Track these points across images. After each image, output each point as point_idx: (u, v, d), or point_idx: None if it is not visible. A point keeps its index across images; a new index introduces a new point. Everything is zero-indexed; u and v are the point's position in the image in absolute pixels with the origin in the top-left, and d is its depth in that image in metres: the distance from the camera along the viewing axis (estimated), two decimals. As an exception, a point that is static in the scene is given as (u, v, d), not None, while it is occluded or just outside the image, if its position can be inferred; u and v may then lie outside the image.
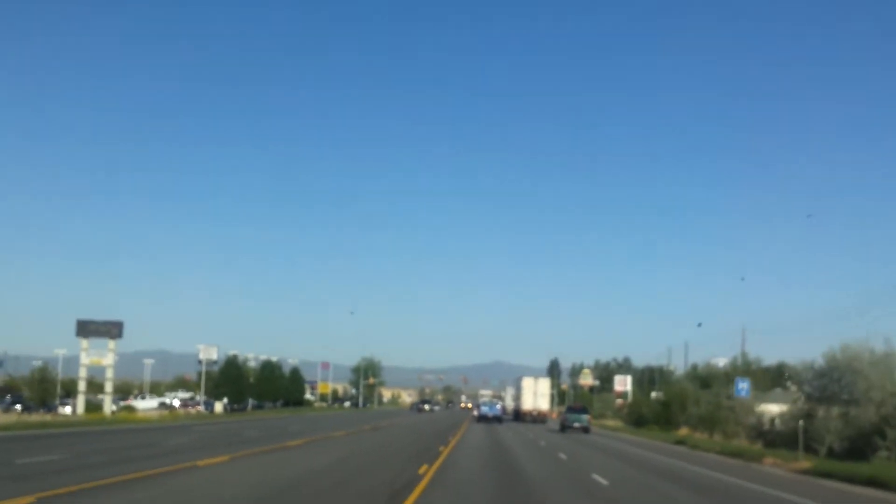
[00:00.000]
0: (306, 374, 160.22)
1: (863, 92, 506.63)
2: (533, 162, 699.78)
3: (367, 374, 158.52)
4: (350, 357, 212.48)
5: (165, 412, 74.70)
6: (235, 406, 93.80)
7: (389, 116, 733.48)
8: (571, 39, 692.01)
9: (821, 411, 40.29)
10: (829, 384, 40.00)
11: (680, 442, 47.46)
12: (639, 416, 76.66)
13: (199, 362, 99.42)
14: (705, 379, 68.32)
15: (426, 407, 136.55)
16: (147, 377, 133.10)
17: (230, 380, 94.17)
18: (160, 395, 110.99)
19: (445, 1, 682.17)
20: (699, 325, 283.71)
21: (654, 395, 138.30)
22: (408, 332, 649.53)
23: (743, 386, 39.83)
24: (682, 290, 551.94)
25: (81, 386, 68.14)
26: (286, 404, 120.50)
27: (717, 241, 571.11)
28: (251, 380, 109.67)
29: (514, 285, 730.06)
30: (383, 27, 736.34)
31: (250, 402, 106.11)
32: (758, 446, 41.17)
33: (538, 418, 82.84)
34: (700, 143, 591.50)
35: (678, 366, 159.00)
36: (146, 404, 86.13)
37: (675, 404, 65.12)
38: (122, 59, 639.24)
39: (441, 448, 31.69)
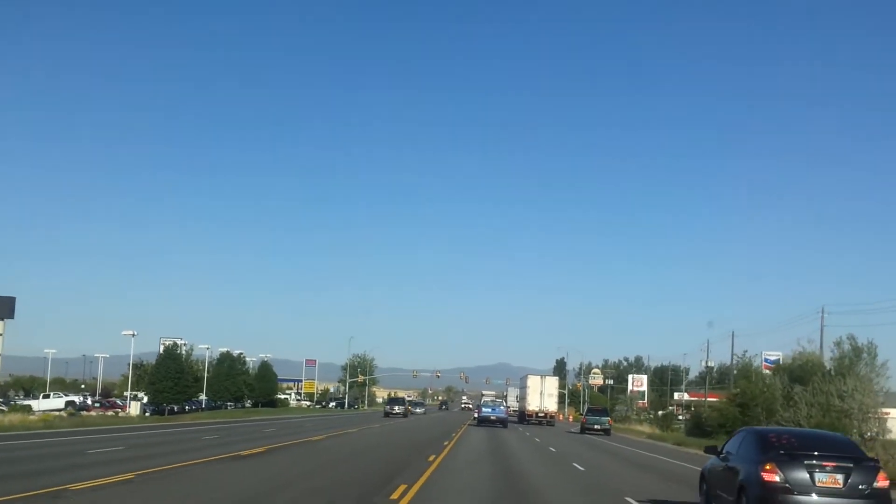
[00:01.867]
0: (293, 374, 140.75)
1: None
2: (540, 164, 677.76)
3: (358, 371, 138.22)
4: (346, 357, 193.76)
5: (64, 413, 54.39)
6: (178, 407, 72.95)
7: (395, 114, 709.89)
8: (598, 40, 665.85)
9: None
10: None
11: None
12: (697, 422, 54.78)
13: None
14: (796, 373, 45.51)
15: (397, 409, 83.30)
16: (100, 374, 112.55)
17: (168, 375, 71.73)
18: (119, 395, 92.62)
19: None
20: (710, 323, 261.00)
21: (676, 395, 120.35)
22: (408, 334, 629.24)
23: None
24: (688, 290, 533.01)
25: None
26: (256, 404, 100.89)
27: (723, 240, 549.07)
28: (199, 375, 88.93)
29: (516, 287, 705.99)
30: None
31: (203, 401, 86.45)
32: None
33: (545, 420, 71.70)
34: (710, 145, 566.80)
35: (709, 363, 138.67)
36: (49, 404, 65.62)
37: (756, 406, 42.72)
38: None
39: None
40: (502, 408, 66.55)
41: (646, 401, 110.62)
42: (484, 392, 60.99)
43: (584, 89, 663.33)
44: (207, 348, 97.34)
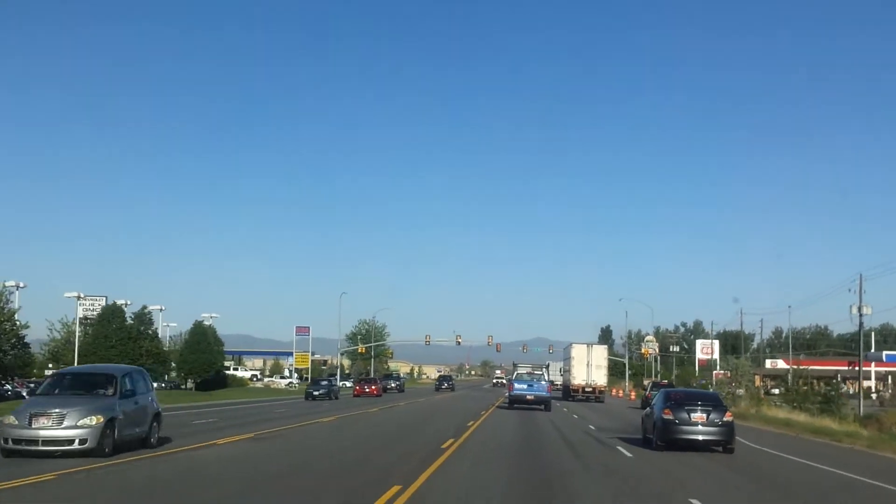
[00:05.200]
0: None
1: None
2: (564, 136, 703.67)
3: (359, 340, 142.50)
4: (340, 321, 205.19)
5: None
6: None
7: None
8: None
9: None
10: None
11: None
12: None
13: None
14: None
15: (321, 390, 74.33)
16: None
17: None
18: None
19: None
20: (735, 300, 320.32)
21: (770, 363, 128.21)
22: (435, 308, 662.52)
23: None
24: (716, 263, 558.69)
25: None
26: (203, 384, 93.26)
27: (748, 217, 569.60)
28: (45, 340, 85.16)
29: (552, 258, 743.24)
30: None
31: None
32: None
33: (594, 396, 78.56)
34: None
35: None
36: None
37: None
38: None
39: None
40: (543, 382, 60.19)
41: (719, 368, 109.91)
42: (517, 363, 62.25)
43: (631, 58, 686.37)
44: (78, 297, 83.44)
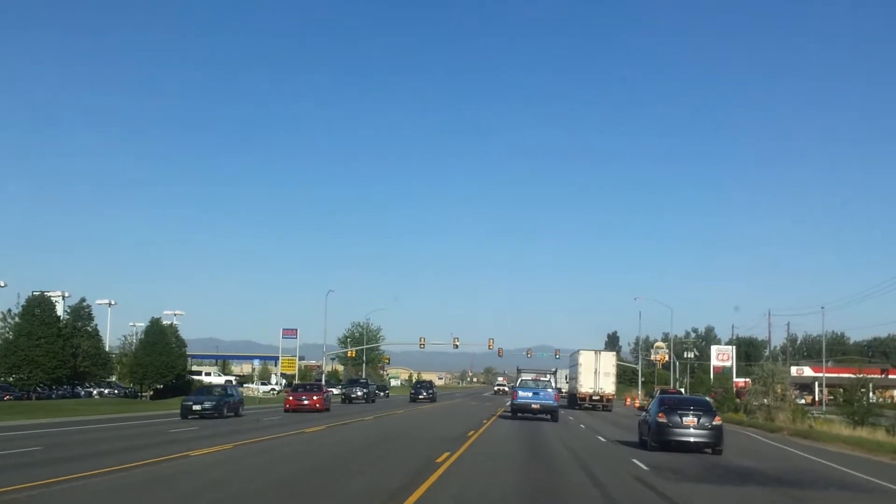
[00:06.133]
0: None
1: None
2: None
3: (348, 342, 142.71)
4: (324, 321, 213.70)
5: None
6: None
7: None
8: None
9: None
10: None
11: None
12: None
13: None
14: None
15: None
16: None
17: None
18: None
19: None
20: (736, 308, 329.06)
21: (795, 370, 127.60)
22: (438, 312, 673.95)
23: None
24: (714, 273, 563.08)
25: None
26: (163, 391, 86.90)
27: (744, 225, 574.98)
28: None
29: (555, 265, 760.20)
30: None
31: None
32: None
33: (601, 404, 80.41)
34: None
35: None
36: None
37: None
38: None
39: None
40: (550, 390, 57.27)
41: (736, 376, 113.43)
42: (522, 368, 60.78)
43: (640, 62, 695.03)
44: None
